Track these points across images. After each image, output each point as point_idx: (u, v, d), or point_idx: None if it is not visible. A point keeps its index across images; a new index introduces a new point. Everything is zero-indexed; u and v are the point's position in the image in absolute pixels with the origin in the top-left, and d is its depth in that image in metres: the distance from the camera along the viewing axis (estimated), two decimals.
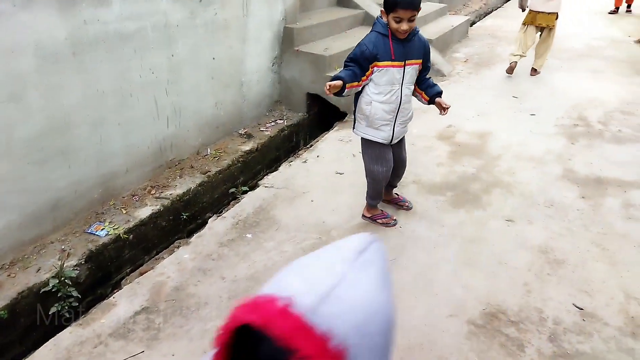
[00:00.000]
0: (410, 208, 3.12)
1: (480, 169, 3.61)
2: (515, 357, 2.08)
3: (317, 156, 3.92)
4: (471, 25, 8.34)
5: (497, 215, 3.05)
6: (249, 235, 2.93)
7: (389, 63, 2.43)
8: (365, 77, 2.50)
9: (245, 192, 3.60)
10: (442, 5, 7.43)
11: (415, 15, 2.29)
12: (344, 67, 2.53)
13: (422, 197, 3.29)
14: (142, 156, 3.49)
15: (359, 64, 2.46)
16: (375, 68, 2.45)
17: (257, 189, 3.48)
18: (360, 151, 2.89)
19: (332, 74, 4.71)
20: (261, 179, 3.75)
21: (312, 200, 3.27)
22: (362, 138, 2.77)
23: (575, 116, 4.47)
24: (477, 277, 2.56)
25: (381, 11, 2.41)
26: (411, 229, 2.95)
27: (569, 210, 3.08)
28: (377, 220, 3.02)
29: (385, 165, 2.76)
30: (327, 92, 2.38)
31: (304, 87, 4.78)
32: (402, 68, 2.46)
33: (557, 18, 5.26)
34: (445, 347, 2.13)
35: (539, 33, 5.38)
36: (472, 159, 3.77)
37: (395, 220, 3.01)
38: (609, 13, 9.20)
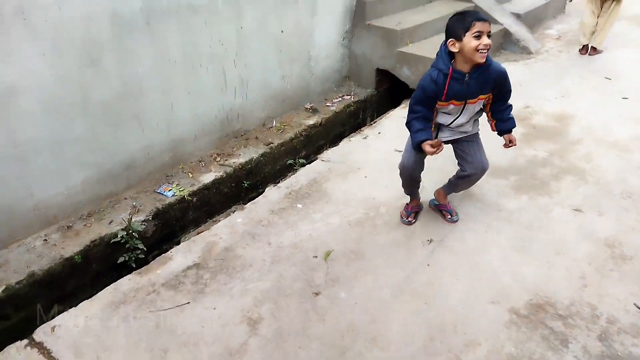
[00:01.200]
0: (455, 221, 2.76)
1: (554, 154, 3.33)
2: (556, 352, 1.95)
3: (379, 133, 3.88)
4: (571, 0, 7.56)
5: (564, 203, 2.81)
6: (299, 206, 3.00)
7: (441, 103, 2.27)
8: (435, 114, 2.36)
9: (303, 164, 3.68)
10: None
11: (490, 31, 2.10)
12: (412, 113, 2.34)
13: (482, 179, 3.12)
14: (209, 125, 3.70)
15: (425, 104, 2.29)
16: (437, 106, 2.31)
17: (314, 162, 3.53)
18: None
19: (404, 49, 4.59)
20: (321, 153, 3.81)
21: (365, 176, 3.26)
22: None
23: None
24: (529, 265, 2.40)
25: (449, 43, 2.16)
26: (464, 211, 2.83)
27: None
28: (444, 210, 2.79)
29: (410, 159, 2.58)
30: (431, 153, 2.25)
31: (374, 63, 4.71)
32: (461, 107, 2.29)
33: None
34: (479, 332, 2.05)
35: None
36: (547, 142, 3.48)
37: (409, 220, 2.76)
38: None
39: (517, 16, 5.61)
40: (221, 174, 3.58)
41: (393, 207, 2.91)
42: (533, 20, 5.96)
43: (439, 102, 2.25)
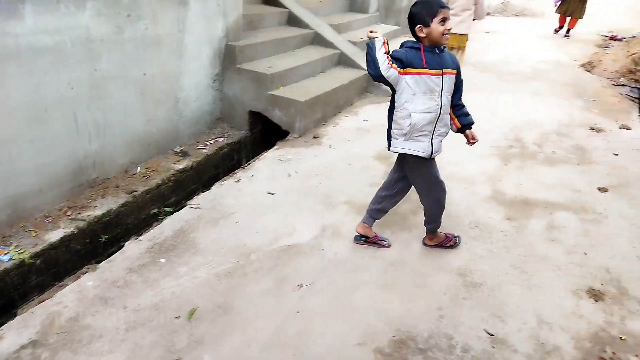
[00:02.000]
0: (389, 246, 2.92)
1: (412, 190, 3.58)
2: None
3: (252, 175, 3.83)
4: None
5: (421, 236, 3.00)
6: (162, 260, 2.78)
7: (424, 70, 2.36)
8: (399, 69, 2.34)
9: (169, 213, 3.45)
10: (396, 27, 7.55)
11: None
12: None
13: (351, 217, 3.22)
14: (58, 175, 3.31)
15: (397, 59, 2.34)
16: (408, 75, 2.36)
17: (182, 210, 3.34)
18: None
19: (275, 92, 4.68)
20: (190, 199, 3.62)
21: (237, 222, 3.16)
22: (409, 160, 2.64)
23: (512, 137, 4.53)
24: (394, 301, 2.48)
25: (417, 29, 2.34)
26: (333, 252, 2.87)
27: (493, 232, 3.07)
28: (446, 245, 2.90)
29: (442, 185, 2.72)
30: (369, 35, 2.38)
31: (246, 105, 4.71)
32: (441, 76, 2.40)
33: (467, 40, 5.46)
34: None
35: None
36: None
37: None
38: (555, 32, 9.75)
39: None
40: (72, 229, 3.19)
41: (264, 253, 2.84)
42: None
43: (421, 70, 2.34)
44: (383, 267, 2.73)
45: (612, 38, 8.99)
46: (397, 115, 2.53)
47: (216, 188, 3.64)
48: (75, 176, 3.45)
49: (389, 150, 2.64)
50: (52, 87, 3.08)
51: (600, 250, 2.91)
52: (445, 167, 3.91)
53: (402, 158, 2.70)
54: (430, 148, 2.55)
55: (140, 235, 3.13)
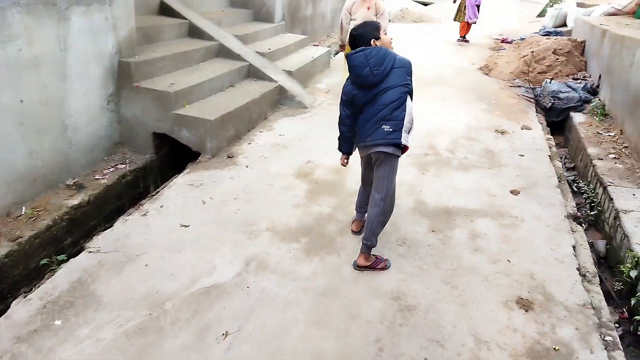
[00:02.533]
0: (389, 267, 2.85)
1: (337, 208, 3.45)
2: None
3: (161, 206, 3.45)
4: (334, 56, 8.53)
5: (350, 259, 2.87)
6: (58, 322, 2.35)
7: None
8: None
9: (63, 261, 2.97)
10: (303, 36, 7.45)
11: None
12: None
13: (276, 246, 3.00)
14: None
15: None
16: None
17: (79, 256, 2.89)
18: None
19: (180, 111, 4.31)
20: (89, 241, 3.16)
21: (146, 265, 2.79)
22: (395, 157, 2.73)
23: (426, 145, 4.60)
24: (329, 338, 2.30)
25: (373, 43, 2.74)
26: (260, 288, 2.63)
27: (420, 247, 3.03)
28: (378, 267, 2.81)
29: None
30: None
31: (149, 127, 4.28)
32: None
33: None
34: None
35: None
36: (329, 197, 3.60)
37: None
38: (457, 41, 10.20)
39: (289, 73, 5.95)
40: None
41: (181, 299, 2.52)
42: (304, 75, 6.42)
43: None
44: (315, 300, 2.54)
45: (503, 41, 9.73)
46: (407, 113, 2.66)
47: (120, 225, 3.22)
48: None
49: (401, 143, 2.65)
50: None
51: (522, 255, 2.98)
52: None
53: (380, 158, 2.72)
54: None
55: (30, 292, 2.63)
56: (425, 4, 15.22)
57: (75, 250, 3.31)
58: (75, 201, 3.58)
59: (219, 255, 2.89)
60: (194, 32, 5.52)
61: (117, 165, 4.15)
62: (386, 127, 2.61)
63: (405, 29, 11.45)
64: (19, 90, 3.18)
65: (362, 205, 3.09)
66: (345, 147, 2.96)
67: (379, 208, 2.73)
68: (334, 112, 5.54)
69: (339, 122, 2.91)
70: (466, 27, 9.85)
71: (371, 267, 2.79)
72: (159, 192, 3.74)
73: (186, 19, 5.50)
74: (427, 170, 4.08)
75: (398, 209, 3.44)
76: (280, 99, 5.58)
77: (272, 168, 4.07)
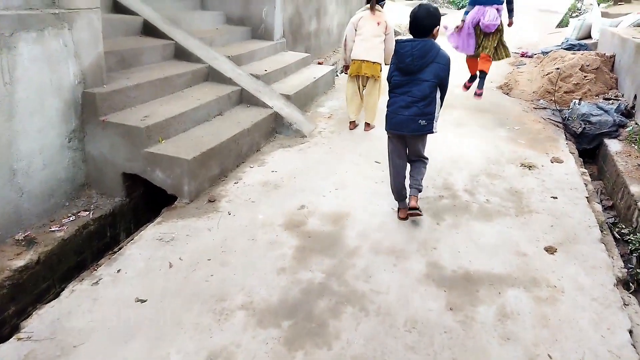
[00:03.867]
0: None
1: (331, 274, 2.82)
2: None
3: (118, 271, 2.85)
4: (339, 73, 7.95)
5: (344, 355, 2.23)
6: None
7: None
8: None
9: None
10: (305, 54, 6.89)
11: None
12: None
13: (250, 333, 2.37)
14: None
15: None
16: None
17: (4, 346, 2.29)
18: None
19: (154, 149, 3.74)
20: (26, 318, 2.57)
21: None
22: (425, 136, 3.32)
23: (440, 184, 3.95)
24: None
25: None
26: None
27: (434, 333, 2.37)
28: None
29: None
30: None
31: (118, 167, 3.71)
32: None
33: (381, 70, 4.93)
34: None
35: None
36: (323, 257, 2.97)
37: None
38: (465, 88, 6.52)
39: (287, 97, 5.37)
40: None
41: None
42: (304, 99, 5.84)
43: None
44: None
45: (523, 55, 9.05)
46: (438, 105, 3.18)
47: (63, 299, 2.62)
48: None
49: (433, 132, 3.24)
50: None
51: (566, 347, 2.30)
52: (368, 235, 3.20)
53: (417, 137, 3.27)
54: None
55: None
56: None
57: (7, 329, 2.72)
58: (20, 262, 3.00)
59: (176, 347, 2.27)
60: (181, 53, 4.98)
61: (79, 212, 3.58)
62: (422, 122, 3.13)
63: None
64: None
65: (402, 191, 3.42)
66: None
67: (425, 166, 3.40)
68: (335, 143, 4.94)
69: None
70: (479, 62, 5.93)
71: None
72: (122, 248, 3.15)
73: (172, 39, 4.96)
74: (442, 219, 3.42)
75: (406, 276, 2.80)
76: (276, 127, 5.00)
77: (259, 216, 3.46)
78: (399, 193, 3.42)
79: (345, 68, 5.21)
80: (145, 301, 2.59)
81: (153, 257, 2.98)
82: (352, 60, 4.95)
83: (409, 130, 3.16)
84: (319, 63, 8.08)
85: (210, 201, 3.68)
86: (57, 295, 2.78)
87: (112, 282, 2.75)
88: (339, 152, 4.60)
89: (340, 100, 6.33)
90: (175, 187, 3.66)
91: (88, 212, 3.59)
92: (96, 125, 3.62)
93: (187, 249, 3.05)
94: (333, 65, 7.76)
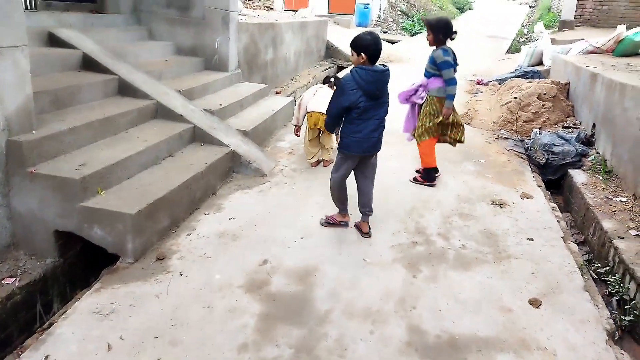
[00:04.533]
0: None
1: (301, 349, 2.45)
2: None
3: (46, 357, 2.37)
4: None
5: None
6: None
7: None
8: None
9: None
10: (262, 85, 6.59)
11: (352, 52, 3.24)
12: None
13: None
14: None
15: None
16: None
17: None
18: None
19: (91, 203, 3.28)
20: None
21: None
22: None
23: (412, 228, 3.70)
24: None
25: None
26: None
27: None
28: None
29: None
30: None
31: (49, 224, 3.22)
32: None
33: None
34: None
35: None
36: (291, 327, 2.60)
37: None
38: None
39: (244, 133, 5.02)
40: None
41: None
42: (263, 133, 5.52)
43: None
44: None
45: (479, 82, 9.16)
46: None
47: None
48: None
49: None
50: None
51: None
52: (339, 295, 2.87)
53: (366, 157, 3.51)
54: None
55: None
56: (392, 42, 14.78)
57: None
58: None
59: None
60: (125, 89, 4.55)
61: (3, 279, 3.05)
62: (381, 139, 3.44)
63: None
64: None
65: (366, 203, 3.59)
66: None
67: (373, 183, 3.59)
68: (298, 182, 4.58)
69: (332, 120, 3.40)
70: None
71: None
72: (52, 325, 2.66)
73: (115, 74, 4.53)
74: (418, 270, 3.15)
75: (385, 345, 2.48)
76: (233, 167, 4.63)
77: (215, 275, 3.06)
78: (344, 203, 3.66)
79: (297, 129, 4.92)
80: None
81: (88, 337, 2.52)
82: (308, 112, 4.66)
83: (376, 150, 3.44)
84: (277, 92, 7.81)
85: (158, 259, 3.24)
86: None
87: None
88: (303, 193, 4.28)
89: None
90: (117, 246, 3.20)
91: (14, 279, 3.07)
92: (23, 177, 3.14)
93: (130, 324, 2.61)
94: (291, 94, 7.51)
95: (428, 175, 4.55)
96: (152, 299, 2.82)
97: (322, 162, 4.98)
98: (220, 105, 5.25)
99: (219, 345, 2.47)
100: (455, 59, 4.25)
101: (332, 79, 3.61)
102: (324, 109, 4.54)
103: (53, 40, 4.58)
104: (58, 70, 4.33)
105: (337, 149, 3.46)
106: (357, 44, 3.15)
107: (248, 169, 4.62)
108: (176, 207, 3.64)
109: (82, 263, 3.52)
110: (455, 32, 4.26)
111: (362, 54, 3.13)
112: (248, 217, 3.83)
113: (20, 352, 2.48)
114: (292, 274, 3.08)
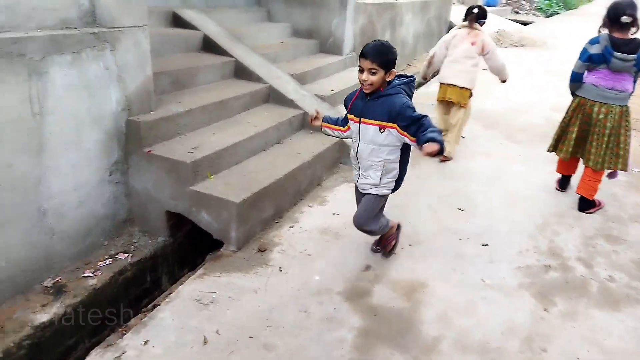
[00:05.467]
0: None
1: None
2: None
3: (145, 342, 2.38)
4: (415, 89, 7.21)
5: None
6: None
7: (350, 115, 2.62)
8: (345, 128, 2.76)
9: None
10: None
11: (374, 68, 2.34)
12: None
13: None
14: None
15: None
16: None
17: None
18: None
19: (200, 187, 3.27)
20: None
21: None
22: None
23: (544, 247, 3.13)
24: None
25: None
26: None
27: None
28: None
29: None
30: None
31: (162, 204, 3.29)
32: (357, 124, 2.56)
33: (470, 96, 4.38)
34: None
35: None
36: (393, 350, 2.31)
37: None
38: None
39: None
40: None
41: None
42: None
43: (350, 115, 2.63)
44: None
45: None
46: None
47: None
48: None
49: None
50: None
51: None
52: (451, 322, 2.49)
53: None
54: (356, 179, 2.82)
55: None
56: (525, 24, 13.30)
57: None
58: (44, 316, 2.63)
59: None
60: (241, 72, 4.54)
61: (117, 254, 3.19)
62: None
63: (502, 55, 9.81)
64: None
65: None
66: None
67: None
68: (410, 179, 4.14)
69: None
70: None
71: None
72: (155, 307, 2.69)
73: (232, 56, 4.53)
74: (552, 302, 2.63)
75: None
76: (340, 157, 4.40)
77: (314, 276, 2.87)
78: (387, 223, 2.98)
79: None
80: None
81: (187, 326, 2.48)
82: (439, 83, 4.41)
83: None
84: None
85: (260, 250, 3.14)
86: (80, 358, 2.38)
87: (138, 357, 2.27)
88: (414, 192, 3.90)
89: None
90: (221, 232, 3.16)
91: (127, 255, 3.19)
92: (141, 157, 3.22)
93: (227, 318, 2.52)
94: None
95: (589, 203, 3.62)
96: (250, 294, 2.72)
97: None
98: (332, 90, 5.03)
99: (313, 358, 2.27)
100: None
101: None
102: (452, 80, 4.20)
103: (177, 21, 4.71)
104: (180, 51, 4.43)
105: (385, 191, 2.73)
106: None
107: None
108: (281, 197, 3.52)
109: (190, 244, 3.58)
110: None
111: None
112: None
113: (123, 332, 2.53)
114: (397, 287, 2.77)
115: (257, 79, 4.49)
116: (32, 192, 2.68)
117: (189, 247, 3.58)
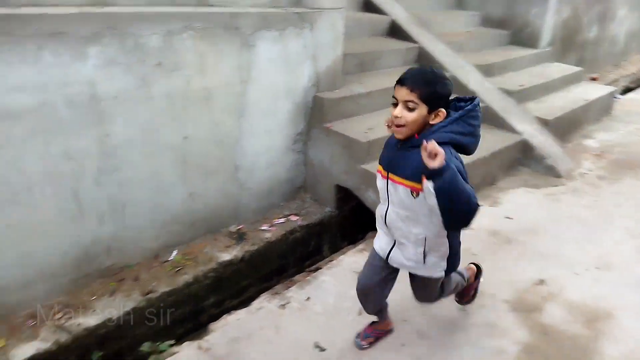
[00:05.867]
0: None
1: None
2: None
3: (307, 299, 2.56)
4: (622, 94, 6.21)
5: None
6: None
7: (378, 167, 1.84)
8: None
9: (164, 351, 2.38)
10: (576, 68, 5.51)
11: (413, 100, 1.60)
12: None
13: None
14: (51, 265, 2.52)
15: None
16: None
17: (182, 350, 2.24)
18: None
19: (371, 167, 3.34)
20: (210, 323, 2.49)
21: None
22: None
23: None
24: None
25: None
26: None
27: None
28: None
29: (364, 273, 2.12)
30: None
31: (333, 177, 3.47)
32: (385, 180, 1.80)
33: None
34: None
35: None
36: None
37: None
38: None
39: (544, 122, 4.28)
40: (48, 345, 2.35)
41: None
42: (567, 126, 4.62)
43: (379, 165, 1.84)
44: None
45: None
46: None
47: (244, 316, 2.46)
48: (79, 265, 2.63)
49: None
50: (35, 160, 2.26)
51: None
52: (636, 356, 2.10)
53: None
54: (385, 251, 1.96)
55: None
56: None
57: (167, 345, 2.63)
58: (227, 256, 3.04)
59: None
60: (423, 59, 4.47)
61: (289, 215, 3.48)
62: None
63: None
64: (183, 126, 2.75)
65: None
66: None
67: None
68: (604, 194, 3.51)
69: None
70: None
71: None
72: (318, 270, 2.88)
73: (416, 42, 4.48)
74: None
75: None
76: (521, 159, 4.03)
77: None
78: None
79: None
80: (324, 350, 2.22)
81: (345, 295, 2.58)
82: None
83: None
84: (592, 79, 6.47)
85: None
86: (251, 298, 2.68)
87: (299, 311, 2.46)
88: (608, 210, 3.38)
89: (618, 132, 4.84)
90: None
91: (298, 218, 3.46)
92: (321, 131, 3.43)
93: None
94: (612, 83, 6.09)
95: None
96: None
97: None
98: (521, 86, 4.62)
99: (466, 358, 2.15)
100: None
101: None
102: None
103: (367, 5, 4.83)
104: (367, 34, 4.55)
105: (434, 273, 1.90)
106: None
107: (539, 165, 3.95)
108: None
109: (353, 219, 3.70)
110: None
111: None
112: (528, 221, 3.26)
113: (289, 285, 2.75)
114: (575, 310, 2.44)
115: (439, 67, 4.35)
116: (231, 150, 3.07)
117: (352, 221, 3.71)
